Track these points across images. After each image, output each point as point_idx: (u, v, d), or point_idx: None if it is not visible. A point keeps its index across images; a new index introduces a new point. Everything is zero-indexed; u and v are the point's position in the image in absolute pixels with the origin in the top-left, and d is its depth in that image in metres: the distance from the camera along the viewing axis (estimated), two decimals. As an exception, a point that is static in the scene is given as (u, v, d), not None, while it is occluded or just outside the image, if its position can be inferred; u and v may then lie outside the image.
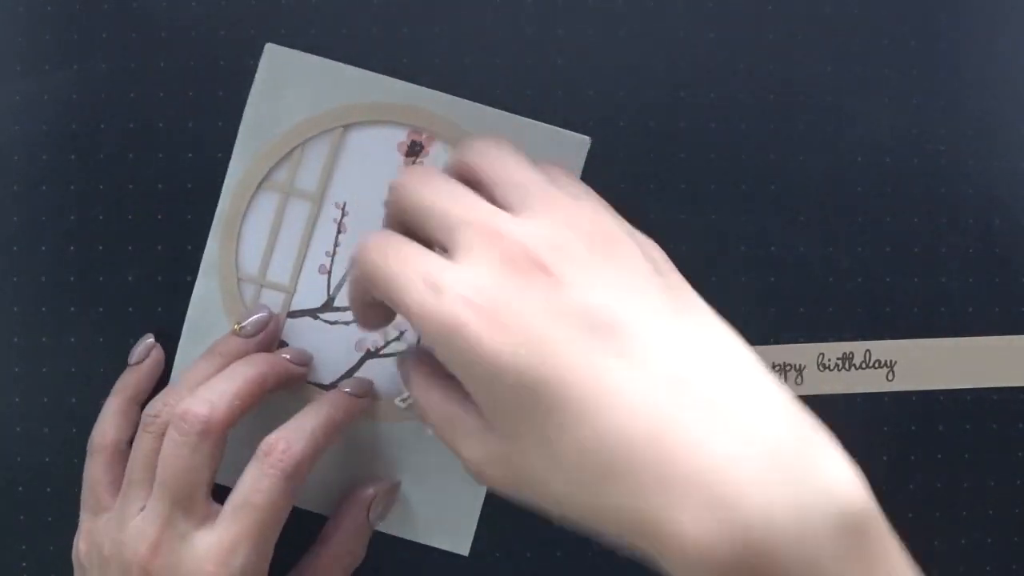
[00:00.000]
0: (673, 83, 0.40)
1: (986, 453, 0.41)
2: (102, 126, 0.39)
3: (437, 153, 0.39)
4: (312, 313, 0.39)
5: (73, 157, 0.39)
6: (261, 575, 0.33)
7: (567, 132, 0.38)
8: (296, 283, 0.39)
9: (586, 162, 0.39)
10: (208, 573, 0.32)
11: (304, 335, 0.39)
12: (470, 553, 0.39)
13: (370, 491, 0.37)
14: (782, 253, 0.40)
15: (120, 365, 0.38)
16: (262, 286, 0.39)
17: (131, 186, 0.39)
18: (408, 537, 0.39)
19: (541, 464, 0.27)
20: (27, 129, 0.39)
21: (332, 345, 0.39)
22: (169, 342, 0.39)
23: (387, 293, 0.29)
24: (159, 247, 0.39)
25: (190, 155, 0.39)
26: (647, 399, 0.25)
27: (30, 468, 0.39)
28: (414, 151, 0.38)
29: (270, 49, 0.38)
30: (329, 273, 0.39)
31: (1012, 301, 0.41)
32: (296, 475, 0.33)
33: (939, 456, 0.41)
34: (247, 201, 0.38)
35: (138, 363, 0.38)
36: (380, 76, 0.38)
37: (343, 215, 0.39)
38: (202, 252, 0.39)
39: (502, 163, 0.31)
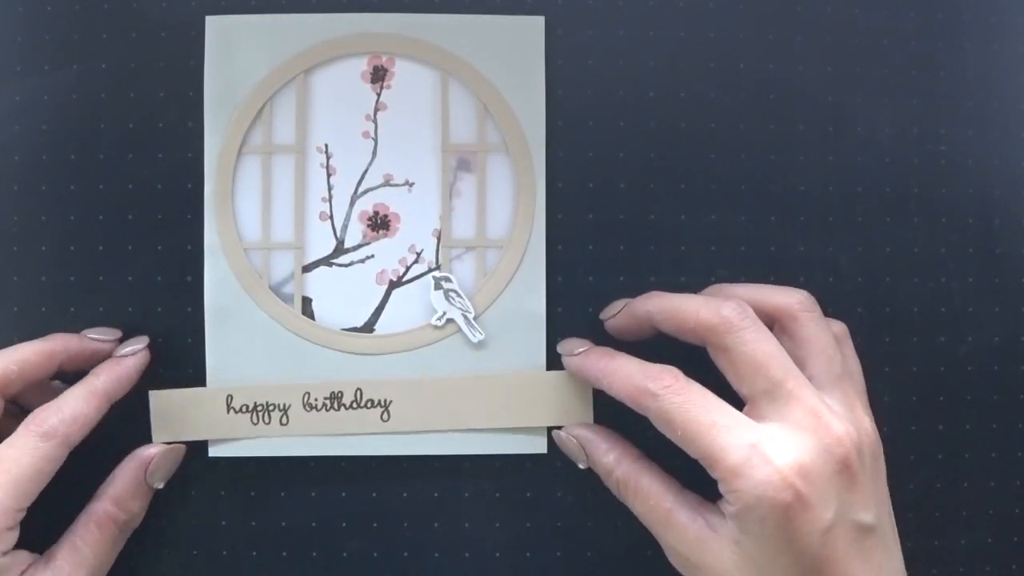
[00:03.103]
0: (673, 83, 0.40)
1: (986, 453, 0.41)
2: (102, 126, 0.39)
3: (402, 73, 0.39)
4: (326, 261, 0.39)
5: (73, 157, 0.39)
6: (3, 531, 0.33)
7: (520, 17, 0.39)
8: (302, 237, 0.39)
9: (586, 163, 0.39)
10: None
11: (324, 284, 0.39)
12: (470, 553, 0.39)
13: (151, 450, 0.37)
14: (782, 253, 0.40)
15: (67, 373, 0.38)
16: (269, 249, 0.39)
17: (131, 186, 0.39)
18: (483, 451, 0.39)
19: None
20: (27, 129, 0.39)
21: (354, 286, 0.39)
22: (171, 341, 0.39)
23: (695, 442, 0.33)
24: (159, 247, 0.39)
25: (190, 155, 0.39)
26: None
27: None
28: (379, 76, 0.39)
29: (211, 21, 0.39)
30: (331, 218, 0.39)
31: (1012, 301, 0.41)
32: (51, 436, 0.34)
33: (939, 456, 0.41)
34: (231, 171, 0.39)
35: (123, 356, 0.38)
36: (325, 15, 0.39)
37: (328, 157, 0.39)
38: (203, 252, 0.39)
39: (821, 339, 0.35)
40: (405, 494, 0.39)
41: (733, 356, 0.34)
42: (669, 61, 0.40)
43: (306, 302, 0.39)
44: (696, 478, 0.34)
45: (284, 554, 0.39)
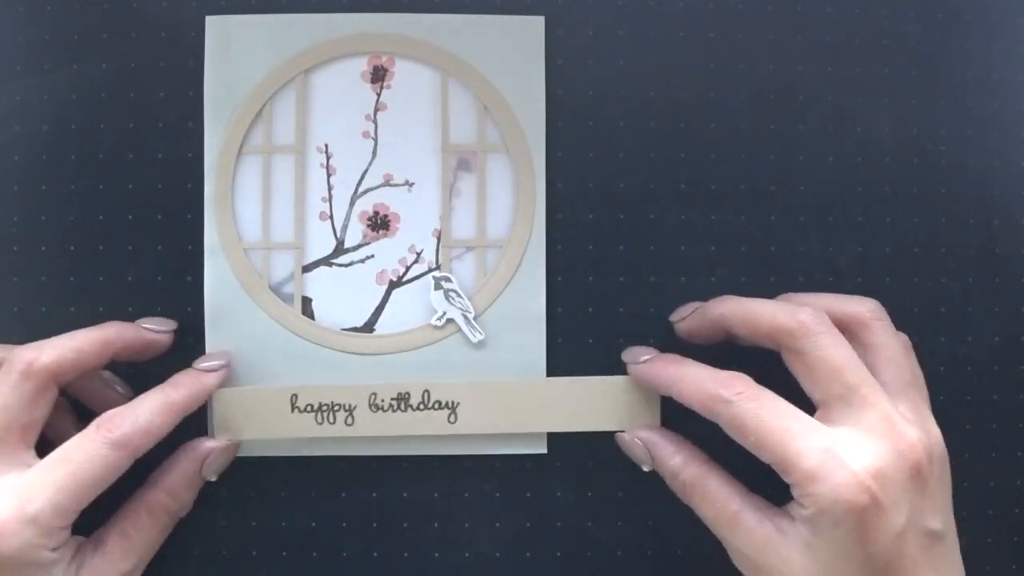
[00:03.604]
0: (673, 83, 0.40)
1: (986, 453, 0.41)
2: (102, 126, 0.39)
3: (402, 73, 0.39)
4: (326, 261, 0.39)
5: (73, 157, 0.39)
6: (56, 530, 0.33)
7: (520, 17, 0.39)
8: (302, 237, 0.39)
9: (586, 163, 0.39)
10: (0, 512, 0.32)
11: (324, 284, 0.39)
12: (470, 553, 0.39)
13: (207, 445, 0.37)
14: (782, 253, 0.40)
15: (121, 365, 0.38)
16: (269, 249, 0.39)
17: (131, 186, 0.39)
18: (481, 452, 0.39)
19: None
20: (27, 129, 0.39)
21: (354, 286, 0.39)
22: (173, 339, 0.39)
23: (769, 447, 0.33)
24: (159, 247, 0.39)
25: (190, 155, 0.39)
26: None
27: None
28: (379, 76, 0.39)
29: (211, 21, 0.39)
30: (331, 218, 0.39)
31: (1012, 301, 0.41)
32: (121, 446, 0.33)
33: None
34: (231, 171, 0.39)
35: (204, 370, 0.37)
36: (325, 15, 0.39)
37: (328, 157, 0.39)
38: (203, 252, 0.39)
39: (892, 347, 0.35)
40: (405, 494, 0.39)
41: (808, 360, 0.34)
42: (669, 61, 0.40)
43: (306, 302, 0.39)
44: (754, 484, 0.34)
45: (284, 554, 0.39)
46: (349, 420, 0.38)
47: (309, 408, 0.38)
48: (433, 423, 0.38)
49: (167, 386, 0.36)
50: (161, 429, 0.35)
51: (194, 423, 0.37)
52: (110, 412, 0.34)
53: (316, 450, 0.39)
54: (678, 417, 0.36)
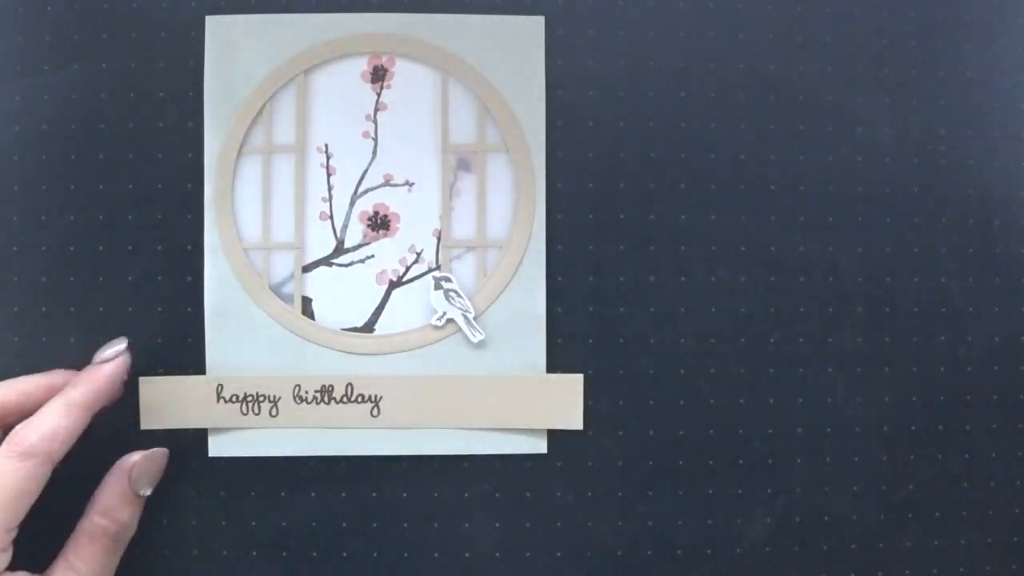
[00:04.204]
0: (673, 83, 0.40)
1: (986, 453, 0.41)
2: (102, 126, 0.39)
3: (402, 73, 0.39)
4: (326, 261, 0.39)
5: (73, 157, 0.39)
6: None
7: (520, 17, 0.39)
8: (302, 237, 0.39)
9: (586, 163, 0.39)
10: None
11: (324, 284, 0.39)
12: (470, 553, 0.39)
13: (134, 458, 0.37)
14: (782, 253, 0.40)
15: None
16: (269, 249, 0.39)
17: (131, 186, 0.39)
18: (483, 451, 0.39)
19: None
20: (27, 129, 0.39)
21: (355, 286, 0.39)
22: (171, 341, 0.39)
23: None
24: (159, 247, 0.39)
25: (190, 155, 0.39)
26: None
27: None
28: (379, 76, 0.39)
29: (211, 21, 0.39)
30: (331, 218, 0.39)
31: (1012, 301, 0.41)
32: (31, 455, 0.34)
33: (939, 456, 0.41)
34: (231, 171, 0.39)
35: (101, 363, 0.37)
36: (325, 15, 0.39)
37: (328, 157, 0.39)
38: (203, 252, 0.39)
39: None
40: (405, 494, 0.39)
41: None
42: (669, 61, 0.40)
43: (306, 302, 0.39)
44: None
45: (284, 554, 0.39)
46: (273, 411, 0.38)
47: (235, 398, 0.38)
48: (356, 416, 0.38)
49: (68, 387, 0.36)
50: (68, 430, 0.35)
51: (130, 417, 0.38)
52: (15, 428, 0.35)
53: (309, 447, 0.39)
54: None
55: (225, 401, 0.38)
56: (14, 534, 0.34)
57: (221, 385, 0.38)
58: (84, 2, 0.39)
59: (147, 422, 0.38)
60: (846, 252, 0.40)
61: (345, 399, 0.38)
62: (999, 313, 0.41)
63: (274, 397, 0.38)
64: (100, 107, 0.39)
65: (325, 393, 0.38)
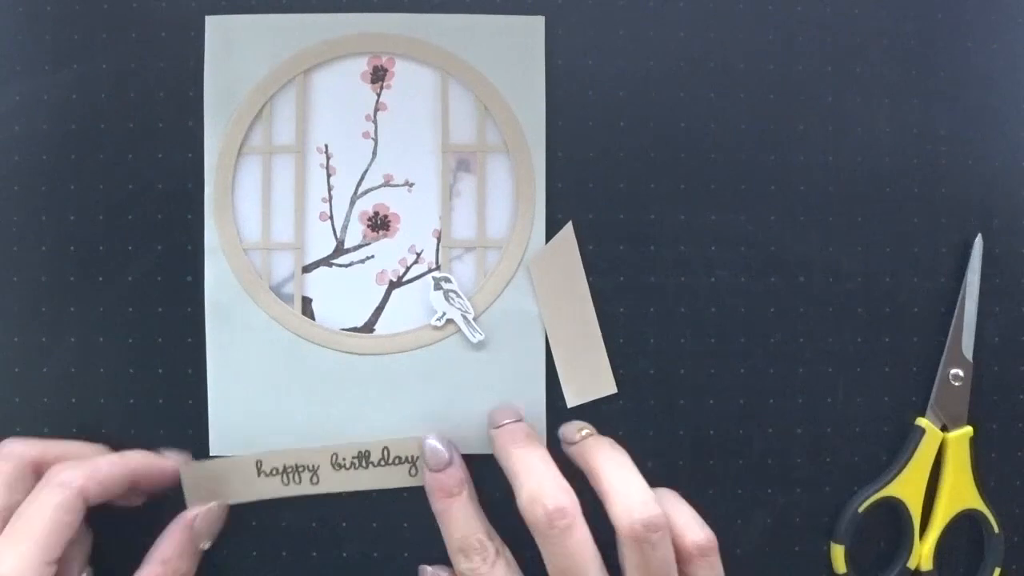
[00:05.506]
0: (673, 83, 0.40)
1: (986, 453, 0.41)
2: (102, 126, 0.39)
3: (402, 73, 0.39)
4: (326, 262, 0.39)
5: (73, 157, 0.39)
6: None
7: (520, 17, 0.39)
8: (302, 237, 0.39)
9: (586, 163, 0.39)
10: None
11: (324, 284, 0.39)
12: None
13: (192, 513, 0.38)
14: (782, 253, 0.40)
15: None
16: (269, 249, 0.39)
17: (131, 186, 0.39)
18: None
19: None
20: (27, 129, 0.39)
21: (354, 287, 0.39)
22: (171, 342, 0.39)
23: None
24: (159, 247, 0.39)
25: (190, 155, 0.39)
26: None
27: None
28: (379, 76, 0.39)
29: (211, 21, 0.39)
30: (331, 218, 0.39)
31: (1012, 301, 0.41)
32: (66, 485, 0.34)
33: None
34: (231, 171, 0.39)
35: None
36: (325, 15, 0.39)
37: (328, 157, 0.39)
38: (203, 252, 0.39)
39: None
40: (405, 494, 0.39)
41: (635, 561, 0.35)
42: (669, 61, 0.40)
43: (306, 302, 0.39)
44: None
45: (284, 554, 0.39)
46: (314, 479, 0.39)
47: (274, 472, 0.38)
48: (394, 477, 0.39)
49: (127, 457, 0.37)
50: (107, 475, 0.35)
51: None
52: (59, 467, 0.35)
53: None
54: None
55: (266, 475, 0.38)
56: (54, 568, 0.33)
57: (260, 461, 0.38)
58: (84, 2, 0.39)
59: (193, 505, 0.38)
60: (846, 252, 0.40)
61: (383, 463, 0.39)
62: (999, 313, 0.41)
63: (313, 466, 0.38)
64: (100, 107, 0.39)
65: (362, 458, 0.38)
